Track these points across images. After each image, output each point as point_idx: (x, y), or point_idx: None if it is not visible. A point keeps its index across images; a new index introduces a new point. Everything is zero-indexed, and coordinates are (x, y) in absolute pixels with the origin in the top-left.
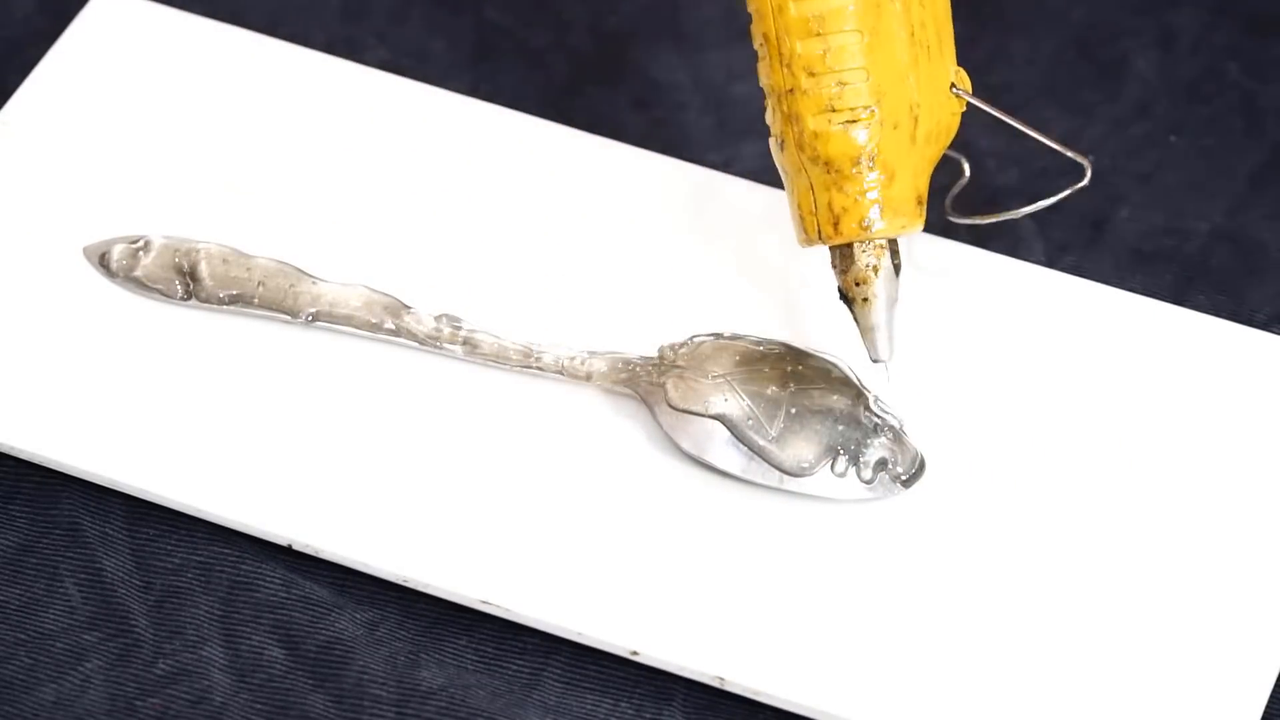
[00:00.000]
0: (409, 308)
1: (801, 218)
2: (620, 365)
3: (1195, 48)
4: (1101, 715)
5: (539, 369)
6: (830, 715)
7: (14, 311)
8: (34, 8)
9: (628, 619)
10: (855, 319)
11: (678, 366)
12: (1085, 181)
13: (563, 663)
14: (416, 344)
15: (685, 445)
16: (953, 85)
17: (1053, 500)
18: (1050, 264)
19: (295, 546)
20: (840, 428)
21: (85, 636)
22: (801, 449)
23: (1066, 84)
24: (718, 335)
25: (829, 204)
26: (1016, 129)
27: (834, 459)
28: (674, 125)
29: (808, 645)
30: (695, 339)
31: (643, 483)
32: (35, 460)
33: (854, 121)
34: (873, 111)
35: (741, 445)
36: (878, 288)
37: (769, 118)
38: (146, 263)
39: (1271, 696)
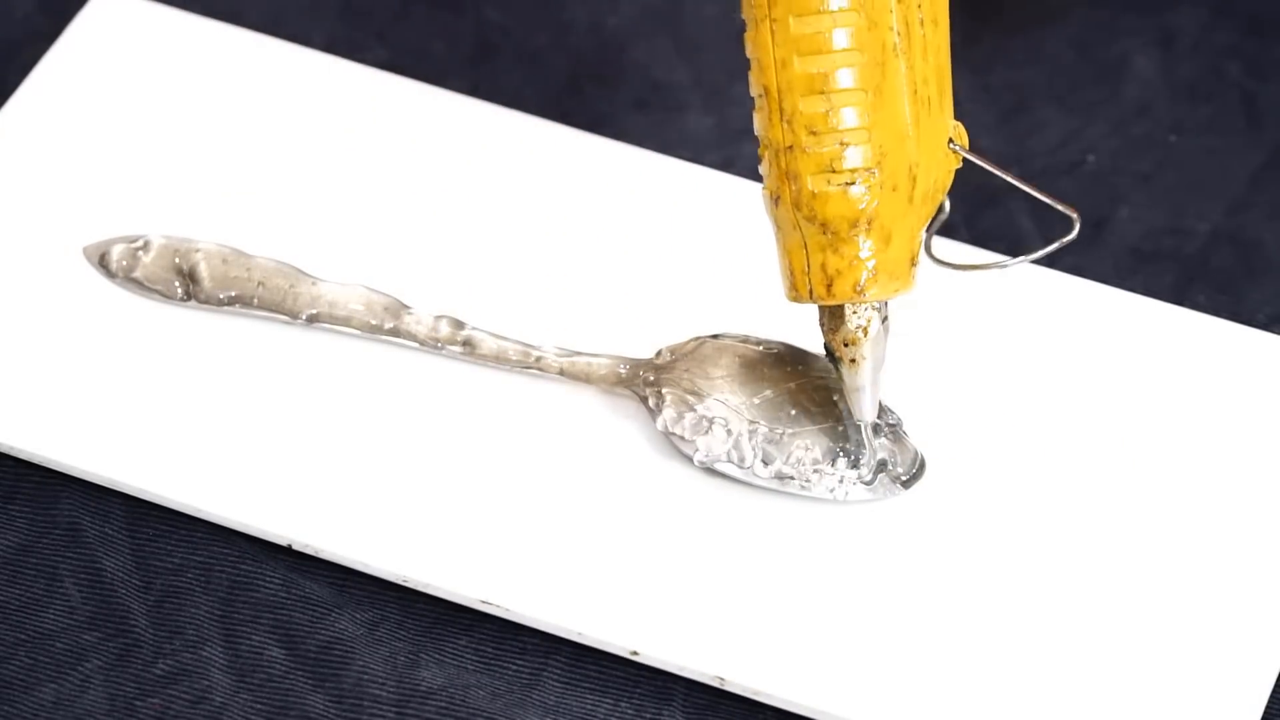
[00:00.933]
0: (409, 308)
1: (793, 274)
2: (620, 366)
3: (1195, 48)
4: (1101, 715)
5: (539, 369)
6: (830, 715)
7: (14, 311)
8: (34, 8)
9: (628, 619)
10: (841, 378)
11: (677, 368)
12: (1073, 235)
13: (563, 663)
14: (416, 344)
15: (684, 447)
16: (950, 141)
17: (1053, 500)
18: (1050, 264)
19: (295, 546)
20: (840, 428)
21: (85, 636)
22: (802, 449)
23: (1066, 84)
24: (717, 336)
25: (823, 265)
26: (1010, 182)
27: (834, 459)
28: (674, 125)
29: (808, 645)
30: (695, 340)
31: (642, 483)
32: (35, 460)
33: (854, 184)
34: (873, 174)
35: (739, 450)
36: (866, 349)
37: (763, 169)
38: (146, 263)
39: (1271, 696)
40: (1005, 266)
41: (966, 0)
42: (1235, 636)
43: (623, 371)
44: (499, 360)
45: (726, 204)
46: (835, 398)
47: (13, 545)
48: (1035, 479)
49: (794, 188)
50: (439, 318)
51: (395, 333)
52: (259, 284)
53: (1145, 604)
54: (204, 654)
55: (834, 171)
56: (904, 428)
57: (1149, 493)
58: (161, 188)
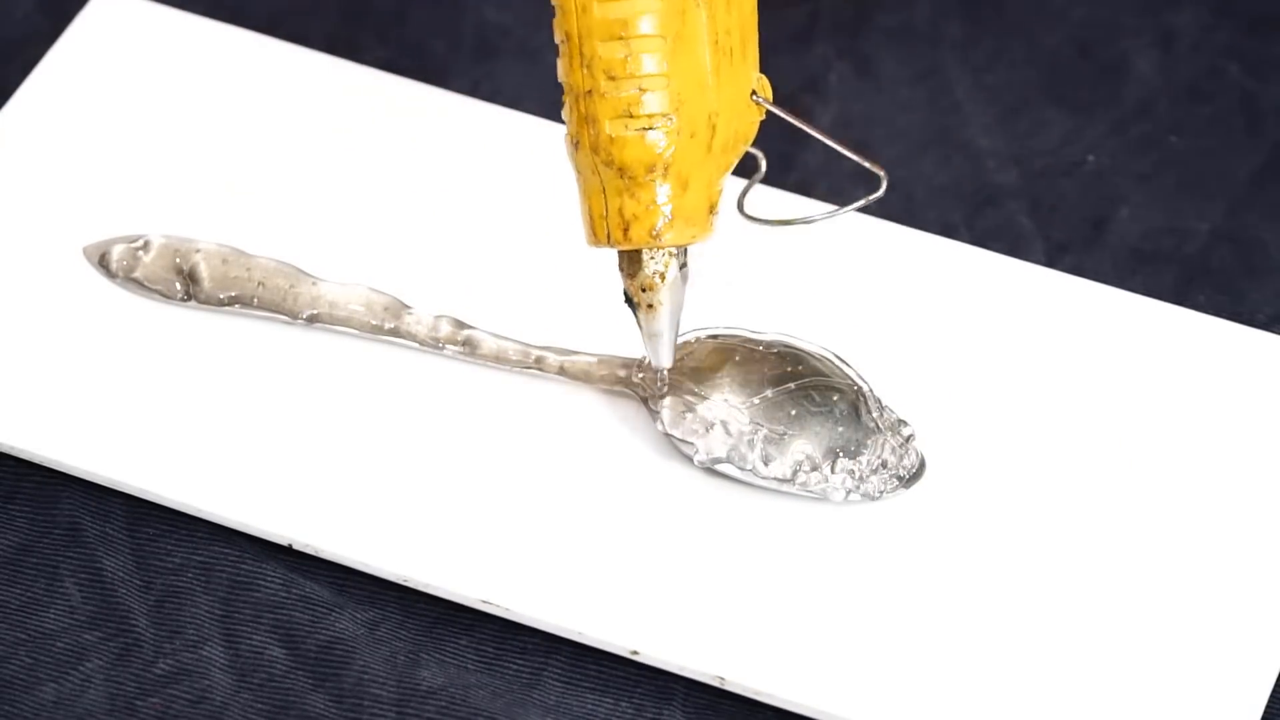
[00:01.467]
0: (409, 308)
1: (592, 220)
2: (620, 366)
3: (1195, 48)
4: (1102, 715)
5: (539, 369)
6: (830, 715)
7: (14, 311)
8: (34, 8)
9: (628, 619)
10: (639, 324)
11: (677, 368)
12: (881, 192)
13: (563, 663)
14: (416, 344)
15: (685, 448)
16: (754, 93)
17: (1053, 500)
18: (1050, 264)
19: (295, 546)
20: (840, 428)
21: (85, 636)
22: (802, 449)
23: (1066, 84)
24: (717, 336)
25: (620, 209)
26: (816, 138)
27: (834, 459)
28: None
29: (808, 645)
30: (695, 340)
31: (642, 483)
32: (35, 460)
33: (651, 129)
34: (670, 119)
35: (739, 450)
36: (663, 295)
37: (565, 114)
38: (146, 263)
39: (1271, 696)
40: (811, 221)
41: (966, 0)
42: (1235, 636)
43: (623, 372)
44: (499, 360)
45: (725, 203)
46: (835, 397)
47: (13, 545)
48: (1035, 479)
49: (593, 132)
50: (439, 318)
51: (395, 333)
52: (259, 284)
53: (1145, 604)
54: (204, 654)
55: (631, 116)
56: (905, 428)
57: (1149, 493)
58: (161, 188)
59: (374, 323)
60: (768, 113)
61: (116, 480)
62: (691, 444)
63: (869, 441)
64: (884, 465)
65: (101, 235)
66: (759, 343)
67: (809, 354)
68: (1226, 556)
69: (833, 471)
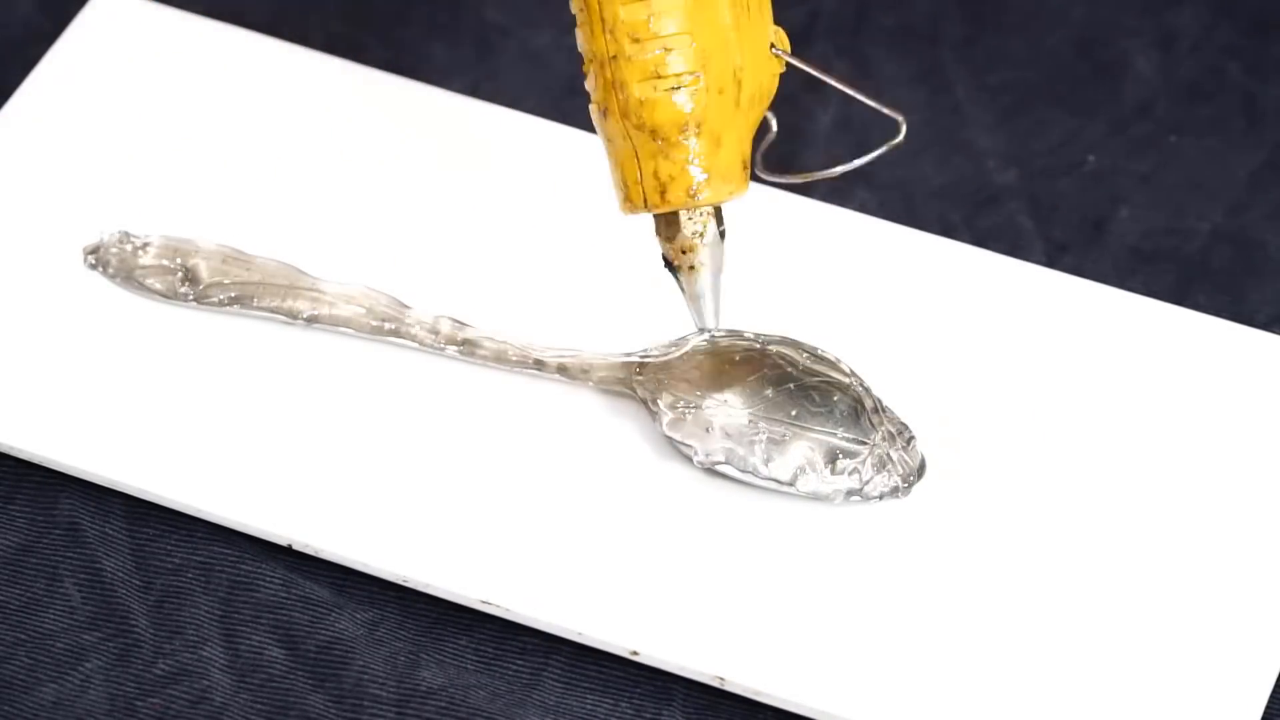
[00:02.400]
0: (409, 308)
1: (626, 185)
2: (619, 366)
3: (1195, 48)
4: (1102, 715)
5: (538, 369)
6: (830, 715)
7: (14, 311)
8: (34, 7)
9: (628, 619)
10: (681, 287)
11: (677, 369)
12: (900, 139)
13: (563, 663)
14: (416, 344)
15: (685, 449)
16: (772, 45)
17: (1053, 500)
18: (1050, 264)
19: (295, 546)
20: (841, 429)
21: (85, 636)
22: (802, 450)
23: (1066, 84)
24: (718, 335)
25: (655, 172)
26: (835, 87)
27: (834, 460)
28: None
29: (808, 645)
30: (695, 339)
31: (642, 483)
32: (35, 460)
33: (679, 88)
34: (698, 77)
35: (739, 450)
36: (704, 255)
37: (589, 84)
38: (146, 263)
39: (1271, 696)
40: (833, 175)
41: (966, 0)
42: (1235, 636)
43: (622, 372)
44: (499, 360)
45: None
46: (835, 398)
47: (13, 545)
48: (1035, 479)
49: (621, 97)
50: (439, 318)
51: (395, 333)
52: (259, 284)
53: (1145, 604)
54: (204, 654)
55: (659, 77)
56: (905, 429)
57: (1149, 493)
58: (161, 188)
59: (374, 323)
60: (787, 66)
61: (116, 480)
62: (691, 445)
63: (869, 442)
64: (884, 466)
65: (101, 235)
66: (759, 343)
67: (809, 354)
68: (1226, 556)
69: (833, 472)
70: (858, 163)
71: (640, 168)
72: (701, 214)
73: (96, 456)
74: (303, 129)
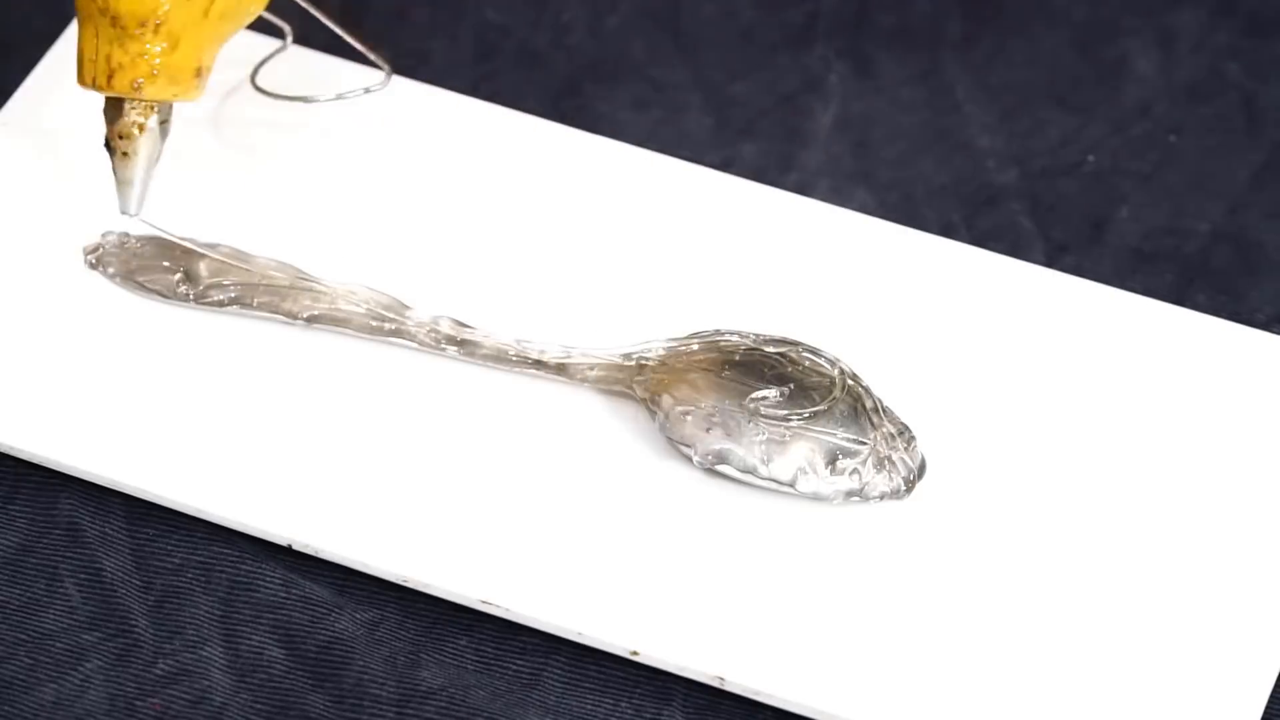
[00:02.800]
0: (409, 308)
1: (81, 61)
2: (619, 366)
3: (1195, 48)
4: (1102, 715)
5: (538, 369)
6: (830, 715)
7: (13, 311)
8: (34, 7)
9: (628, 619)
10: (113, 170)
11: (677, 368)
12: (384, 82)
13: (563, 663)
14: (416, 344)
15: (684, 448)
16: None
17: (1053, 501)
18: (1050, 264)
19: (295, 546)
20: (840, 429)
21: (85, 636)
22: (802, 450)
23: (1066, 84)
24: (717, 336)
25: (108, 57)
26: (323, 23)
27: (834, 460)
28: (674, 125)
29: (808, 645)
30: (694, 340)
31: (642, 483)
32: (35, 460)
33: None
34: None
35: (739, 450)
36: (139, 145)
37: None
38: (146, 263)
39: (1271, 696)
40: (313, 101)
41: (966, 0)
42: (1235, 636)
43: (622, 372)
44: (498, 360)
45: (725, 204)
46: (835, 397)
47: (13, 545)
48: (1036, 479)
49: None
50: (439, 317)
51: (395, 333)
52: (259, 284)
53: (1145, 604)
54: (204, 654)
55: None
56: (905, 429)
57: (1149, 493)
58: (161, 188)
59: (374, 323)
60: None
61: (116, 480)
62: (691, 445)
63: (869, 442)
64: (884, 466)
65: (101, 235)
66: (759, 343)
67: (809, 354)
68: (1226, 556)
69: (833, 473)
70: (343, 96)
71: (98, 49)
72: (145, 106)
73: (96, 456)
74: (302, 129)
